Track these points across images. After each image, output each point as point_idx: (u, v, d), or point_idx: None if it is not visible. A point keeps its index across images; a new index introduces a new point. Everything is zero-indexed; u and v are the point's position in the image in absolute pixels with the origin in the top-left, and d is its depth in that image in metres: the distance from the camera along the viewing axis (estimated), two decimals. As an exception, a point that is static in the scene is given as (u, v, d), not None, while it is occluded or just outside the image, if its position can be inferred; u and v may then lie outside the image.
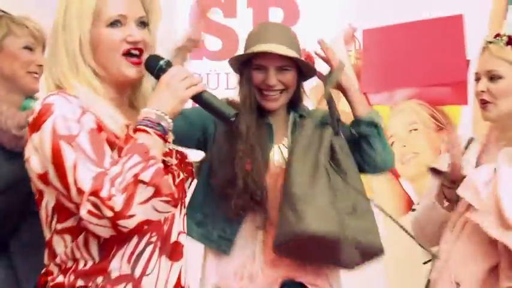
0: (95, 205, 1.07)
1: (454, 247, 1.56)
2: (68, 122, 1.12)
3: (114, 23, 1.20)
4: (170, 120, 1.17)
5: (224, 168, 1.67)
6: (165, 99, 1.17)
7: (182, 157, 1.38)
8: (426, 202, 1.73)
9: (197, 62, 2.51)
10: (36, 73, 1.69)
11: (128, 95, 1.30)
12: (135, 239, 1.22)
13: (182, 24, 2.65)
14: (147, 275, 1.23)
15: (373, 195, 2.52)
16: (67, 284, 1.20)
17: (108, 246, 1.20)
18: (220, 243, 1.72)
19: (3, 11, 1.77)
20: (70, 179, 1.10)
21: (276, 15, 2.66)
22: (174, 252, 1.28)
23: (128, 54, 1.21)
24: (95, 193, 1.07)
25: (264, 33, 1.72)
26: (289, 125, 1.77)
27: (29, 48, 1.67)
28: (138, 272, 1.21)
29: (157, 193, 1.10)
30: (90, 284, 1.19)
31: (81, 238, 1.20)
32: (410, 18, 2.55)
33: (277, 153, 1.74)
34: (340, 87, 1.73)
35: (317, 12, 2.64)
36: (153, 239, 1.24)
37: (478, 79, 1.66)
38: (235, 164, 1.64)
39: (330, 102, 1.68)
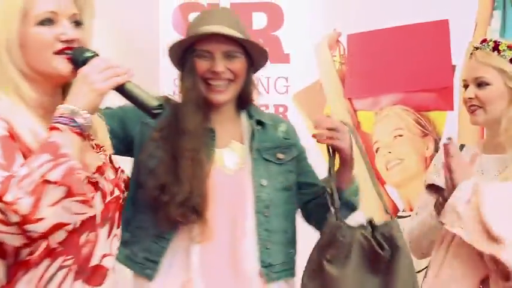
0: (0, 211, 0.99)
1: (444, 261, 1.52)
2: None
3: (44, 21, 1.12)
4: (88, 115, 1.09)
5: (158, 173, 1.45)
6: (81, 93, 1.09)
7: (116, 171, 1.30)
8: (422, 217, 1.68)
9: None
10: None
11: (61, 97, 1.20)
12: (45, 262, 1.13)
13: (165, 26, 2.62)
14: None
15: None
16: None
17: (15, 269, 1.12)
18: (144, 266, 1.48)
19: None
20: None
21: (259, 20, 2.63)
22: (95, 276, 1.18)
23: (61, 54, 1.13)
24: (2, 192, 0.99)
25: (208, 16, 1.54)
26: (245, 130, 1.57)
27: None
28: None
29: (68, 193, 1.02)
30: None
31: None
32: (396, 23, 2.53)
33: (228, 159, 1.52)
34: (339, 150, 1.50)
35: (301, 17, 2.62)
36: (68, 263, 1.14)
37: (465, 86, 1.63)
38: (179, 166, 1.43)
39: (332, 194, 1.48)
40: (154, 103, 1.13)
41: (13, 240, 1.04)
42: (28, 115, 1.12)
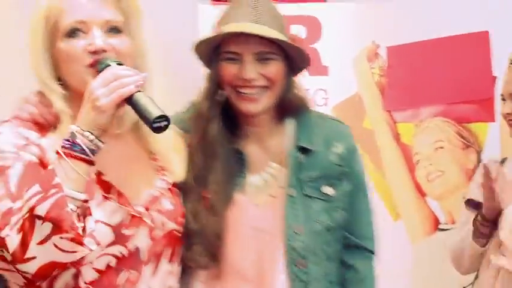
0: (0, 246, 0.90)
1: (495, 284, 1.49)
2: (4, 154, 0.97)
3: (71, 33, 1.01)
4: (92, 136, 0.94)
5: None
6: (85, 112, 0.95)
7: (178, 200, 1.16)
8: (462, 233, 1.64)
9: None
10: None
11: None
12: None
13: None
14: None
15: (399, 215, 2.49)
16: None
17: None
18: None
19: None
20: None
21: (298, 32, 2.66)
22: None
23: (93, 67, 1.01)
24: None
25: (237, 9, 1.23)
26: (288, 144, 1.28)
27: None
28: None
29: (56, 229, 0.89)
30: None
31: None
32: (435, 35, 2.52)
33: (259, 187, 1.26)
34: None
35: (339, 29, 2.64)
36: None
37: (504, 99, 1.61)
38: (189, 197, 1.20)
39: None
40: (155, 114, 0.95)
41: (16, 278, 0.96)
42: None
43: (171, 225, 1.12)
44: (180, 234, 1.15)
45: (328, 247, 1.28)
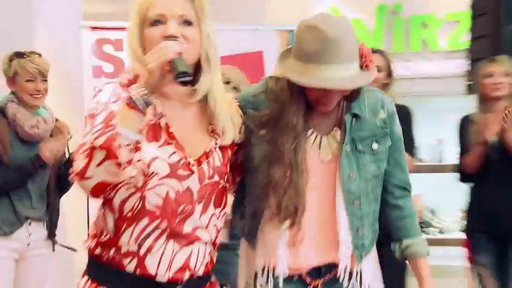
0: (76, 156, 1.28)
1: None
2: (97, 105, 1.35)
3: (154, 22, 1.35)
4: (143, 93, 1.26)
5: (264, 171, 1.52)
6: (142, 75, 1.33)
7: (226, 161, 1.44)
8: None
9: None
10: (36, 94, 2.56)
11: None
12: (145, 221, 1.36)
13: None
14: (151, 253, 1.36)
15: None
16: (91, 249, 1.42)
17: (120, 223, 1.36)
18: (249, 237, 1.67)
19: (19, 54, 2.61)
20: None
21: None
22: (185, 240, 1.38)
23: None
24: (78, 149, 1.27)
25: (314, 51, 1.40)
26: (343, 117, 1.59)
27: (30, 80, 2.54)
28: (143, 250, 1.35)
29: (108, 156, 1.21)
30: (103, 254, 1.38)
31: (101, 212, 1.40)
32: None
33: (325, 146, 1.57)
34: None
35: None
36: (163, 225, 1.35)
37: None
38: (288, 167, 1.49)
39: None
40: (180, 69, 1.26)
41: (84, 187, 1.29)
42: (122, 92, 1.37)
43: (216, 178, 1.41)
44: (222, 186, 1.46)
45: (374, 190, 1.61)
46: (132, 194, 1.34)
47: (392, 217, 1.63)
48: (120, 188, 1.33)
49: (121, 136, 1.21)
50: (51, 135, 2.72)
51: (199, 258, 1.42)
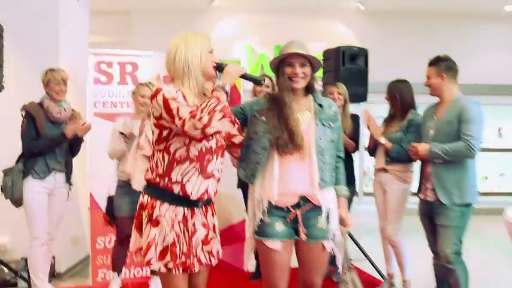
0: (192, 123, 1.96)
1: None
2: (171, 93, 2.06)
3: (211, 51, 2.17)
4: (228, 86, 2.12)
5: (269, 128, 2.38)
6: (227, 78, 2.15)
7: (226, 133, 2.32)
8: None
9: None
10: (60, 93, 3.59)
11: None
12: (187, 163, 2.08)
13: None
14: (190, 184, 2.08)
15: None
16: (151, 178, 2.12)
17: (172, 163, 2.08)
18: (251, 177, 2.45)
19: (51, 69, 3.63)
20: (175, 111, 2.01)
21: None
22: (208, 175, 2.13)
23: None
24: (193, 117, 1.96)
25: (289, 45, 2.42)
26: (313, 105, 2.46)
27: (57, 84, 3.57)
28: (185, 180, 2.08)
29: (224, 115, 2.01)
30: (160, 181, 2.09)
31: (160, 155, 2.09)
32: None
33: (303, 118, 2.41)
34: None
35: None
36: (197, 166, 2.09)
37: None
38: (283, 123, 2.36)
39: None
40: (260, 79, 2.35)
41: (196, 135, 2.00)
42: (190, 94, 2.14)
43: (222, 142, 2.19)
44: (223, 146, 2.23)
45: (331, 150, 2.47)
46: (181, 146, 2.07)
47: (336, 167, 2.55)
48: (174, 141, 2.07)
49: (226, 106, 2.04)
50: (69, 120, 3.68)
51: (212, 187, 2.17)
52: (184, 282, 2.15)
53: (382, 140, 3.78)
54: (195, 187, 2.09)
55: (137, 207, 2.18)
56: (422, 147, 3.26)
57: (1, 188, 3.59)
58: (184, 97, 2.08)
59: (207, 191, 2.12)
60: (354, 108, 4.45)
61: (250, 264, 2.56)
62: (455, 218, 3.19)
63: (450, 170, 3.20)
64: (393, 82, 3.91)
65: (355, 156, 4.39)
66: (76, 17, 5.17)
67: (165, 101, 2.02)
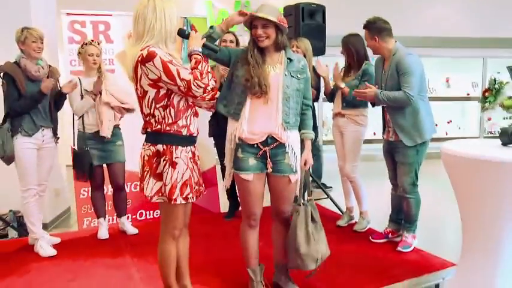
0: (197, 83, 2.32)
1: None
2: (166, 56, 2.30)
3: None
4: (200, 50, 2.51)
5: (245, 74, 2.70)
6: (196, 43, 2.52)
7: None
8: None
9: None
10: (38, 50, 3.63)
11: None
12: (189, 110, 2.47)
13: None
14: (192, 125, 2.50)
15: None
16: (162, 128, 2.42)
17: (178, 113, 2.42)
18: (234, 115, 2.76)
19: (26, 28, 3.65)
20: (175, 74, 2.30)
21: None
22: (197, 114, 2.57)
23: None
24: (196, 78, 2.31)
25: (259, 9, 2.70)
26: (283, 59, 2.77)
27: (34, 41, 3.62)
28: (188, 122, 2.48)
29: (212, 76, 2.38)
30: (171, 129, 2.42)
31: (163, 110, 2.39)
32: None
33: (273, 69, 2.74)
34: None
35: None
36: (193, 110, 2.52)
37: None
38: (253, 71, 2.68)
39: None
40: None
41: (199, 93, 2.34)
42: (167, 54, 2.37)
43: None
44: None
45: (297, 98, 2.80)
46: (182, 97, 2.41)
47: (301, 118, 2.89)
48: (175, 95, 2.38)
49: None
50: (47, 77, 3.74)
51: (198, 125, 2.61)
52: (188, 209, 2.67)
53: (342, 85, 4.15)
54: (195, 126, 2.52)
55: (146, 157, 2.46)
56: (369, 92, 3.69)
57: (-9, 148, 3.73)
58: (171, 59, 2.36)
59: (198, 128, 2.57)
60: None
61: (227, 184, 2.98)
62: (412, 156, 3.69)
63: (405, 116, 3.65)
64: (346, 36, 4.25)
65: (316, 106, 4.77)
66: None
67: (164, 65, 2.27)
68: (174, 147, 2.42)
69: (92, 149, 4.03)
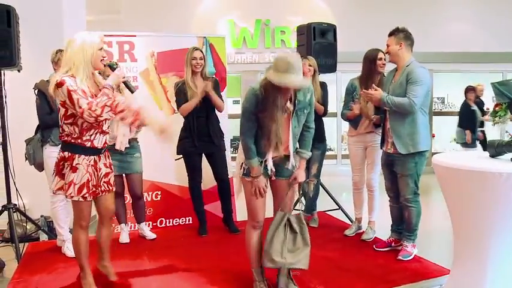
0: (89, 113, 2.77)
1: None
2: (73, 85, 2.77)
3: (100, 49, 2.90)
4: (114, 85, 2.96)
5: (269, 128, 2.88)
6: (113, 79, 2.98)
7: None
8: None
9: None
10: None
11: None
12: (92, 129, 2.91)
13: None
14: (96, 140, 2.98)
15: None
16: (68, 140, 2.92)
17: (82, 131, 2.91)
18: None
19: (60, 50, 3.91)
20: (75, 102, 2.78)
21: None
22: (104, 133, 3.03)
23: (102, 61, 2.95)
24: (89, 108, 2.77)
25: (290, 70, 2.71)
26: (293, 97, 2.90)
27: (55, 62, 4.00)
28: (92, 138, 2.96)
29: (111, 109, 2.80)
30: (75, 141, 2.91)
31: (71, 126, 2.88)
32: None
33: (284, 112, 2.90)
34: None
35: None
36: (98, 130, 2.96)
37: None
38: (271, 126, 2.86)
39: None
40: (134, 90, 3.18)
41: (91, 121, 2.81)
42: (84, 83, 2.85)
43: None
44: None
45: (300, 129, 3.01)
46: (85, 121, 2.84)
47: (300, 138, 3.09)
48: (80, 119, 2.83)
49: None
50: None
51: (107, 139, 3.08)
52: (89, 205, 3.09)
53: (375, 119, 4.31)
54: (100, 141, 3.02)
55: (56, 160, 2.99)
56: (376, 94, 3.85)
57: (25, 156, 4.11)
58: (79, 86, 2.83)
59: (105, 142, 3.08)
60: (324, 77, 5.02)
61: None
62: (411, 168, 3.83)
63: (404, 124, 3.80)
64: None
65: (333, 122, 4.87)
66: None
67: (69, 92, 2.79)
68: (77, 155, 2.94)
69: (112, 160, 4.25)
